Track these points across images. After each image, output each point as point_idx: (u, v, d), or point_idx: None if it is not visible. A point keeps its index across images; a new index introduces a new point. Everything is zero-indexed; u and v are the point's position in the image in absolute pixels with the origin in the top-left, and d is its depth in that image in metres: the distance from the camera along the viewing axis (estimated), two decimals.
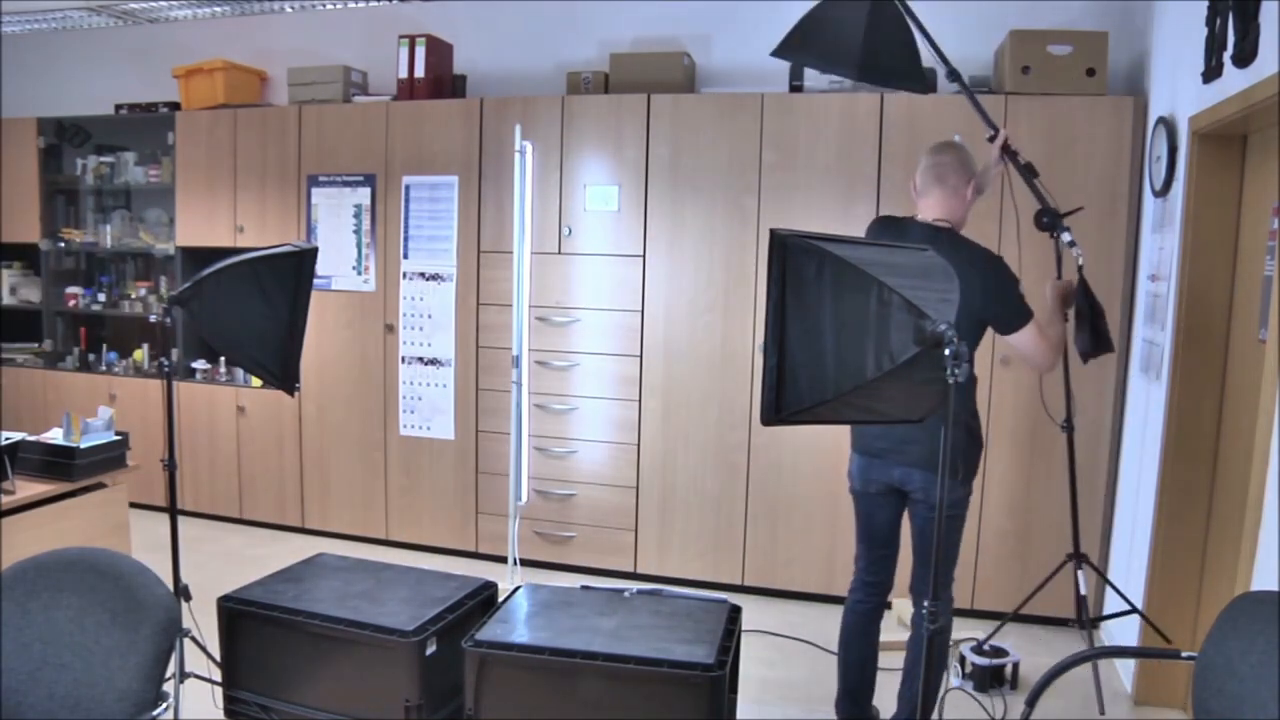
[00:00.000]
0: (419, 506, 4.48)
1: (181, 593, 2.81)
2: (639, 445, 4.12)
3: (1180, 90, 3.12)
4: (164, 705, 1.71)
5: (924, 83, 2.98)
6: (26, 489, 3.04)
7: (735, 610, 2.57)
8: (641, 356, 4.08)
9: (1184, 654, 2.04)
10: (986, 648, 3.24)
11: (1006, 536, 3.78)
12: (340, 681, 2.51)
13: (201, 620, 2.80)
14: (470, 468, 4.37)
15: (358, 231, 4.48)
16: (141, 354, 5.08)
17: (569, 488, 4.22)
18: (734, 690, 2.50)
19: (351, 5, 4.85)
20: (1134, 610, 3.11)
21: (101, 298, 5.18)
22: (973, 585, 3.82)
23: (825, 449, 3.90)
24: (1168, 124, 3.20)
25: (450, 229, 4.31)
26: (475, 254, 4.27)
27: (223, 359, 4.87)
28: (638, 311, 4.07)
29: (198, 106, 4.80)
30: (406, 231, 4.39)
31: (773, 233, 1.97)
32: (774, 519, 3.99)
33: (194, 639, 2.75)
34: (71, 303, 5.20)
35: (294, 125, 4.54)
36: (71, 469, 3.16)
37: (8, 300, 5.31)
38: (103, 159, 5.11)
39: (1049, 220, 2.81)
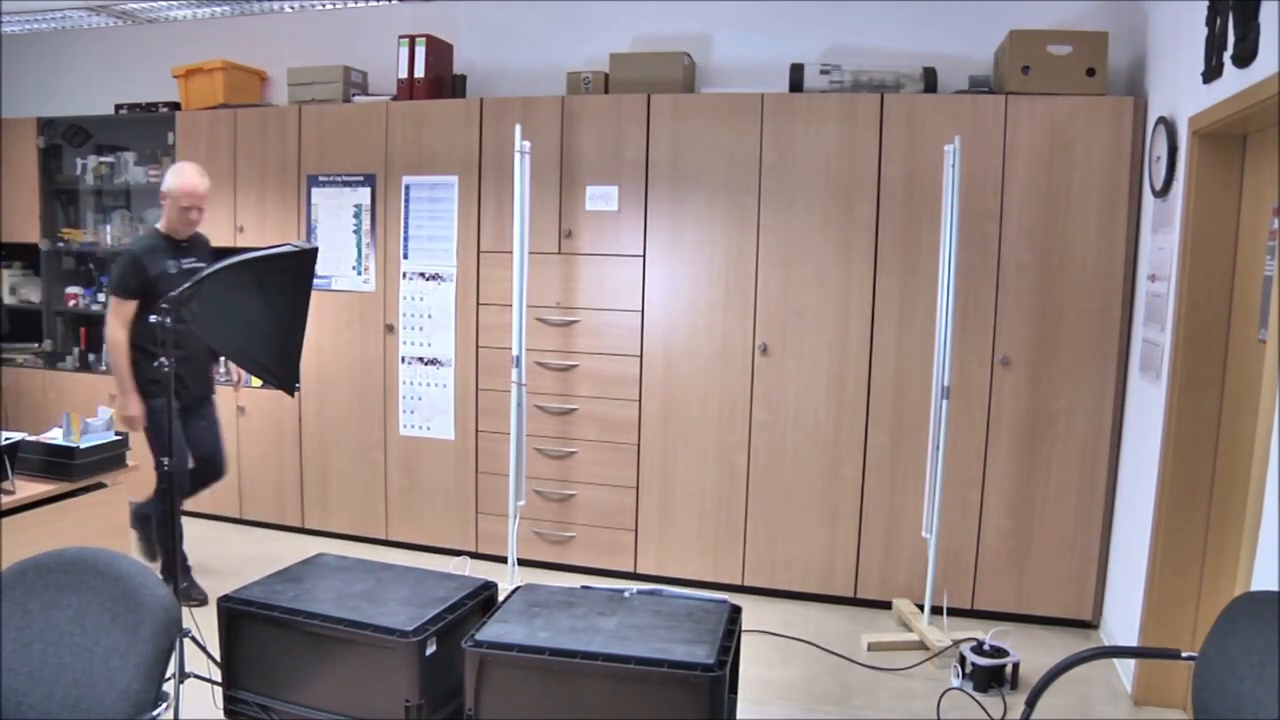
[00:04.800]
0: (419, 506, 4.48)
1: (182, 594, 2.80)
2: (639, 445, 4.12)
3: (1180, 90, 3.13)
4: (164, 705, 1.71)
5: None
6: (26, 489, 3.04)
7: (735, 610, 2.57)
8: (641, 356, 4.08)
9: (1184, 654, 2.04)
10: (986, 648, 3.24)
11: (1006, 536, 3.78)
12: (340, 681, 2.51)
13: (201, 620, 2.80)
14: (470, 468, 4.37)
15: (358, 231, 4.48)
16: None
17: (569, 488, 4.22)
18: (734, 690, 2.50)
19: (351, 5, 4.85)
20: None
21: (101, 298, 5.18)
22: (972, 585, 3.82)
23: (826, 449, 3.90)
24: (1168, 124, 3.20)
25: (450, 229, 4.31)
26: (475, 254, 4.27)
27: (223, 359, 4.86)
28: (638, 311, 4.07)
29: (198, 106, 4.80)
30: (406, 231, 4.39)
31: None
32: (774, 519, 4.00)
33: (194, 639, 2.75)
34: (71, 303, 5.20)
35: (294, 125, 4.54)
36: (71, 469, 3.16)
37: (8, 300, 5.31)
38: (103, 159, 5.12)
39: None
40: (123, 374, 3.61)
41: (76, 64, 5.50)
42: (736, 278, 3.94)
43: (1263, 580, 2.36)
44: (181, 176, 3.62)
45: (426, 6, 4.74)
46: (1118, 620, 3.52)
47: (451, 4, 4.70)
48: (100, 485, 3.29)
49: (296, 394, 3.46)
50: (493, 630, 2.39)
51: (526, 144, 3.82)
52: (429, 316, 4.37)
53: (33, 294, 5.31)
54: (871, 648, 3.52)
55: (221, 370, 4.87)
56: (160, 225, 3.71)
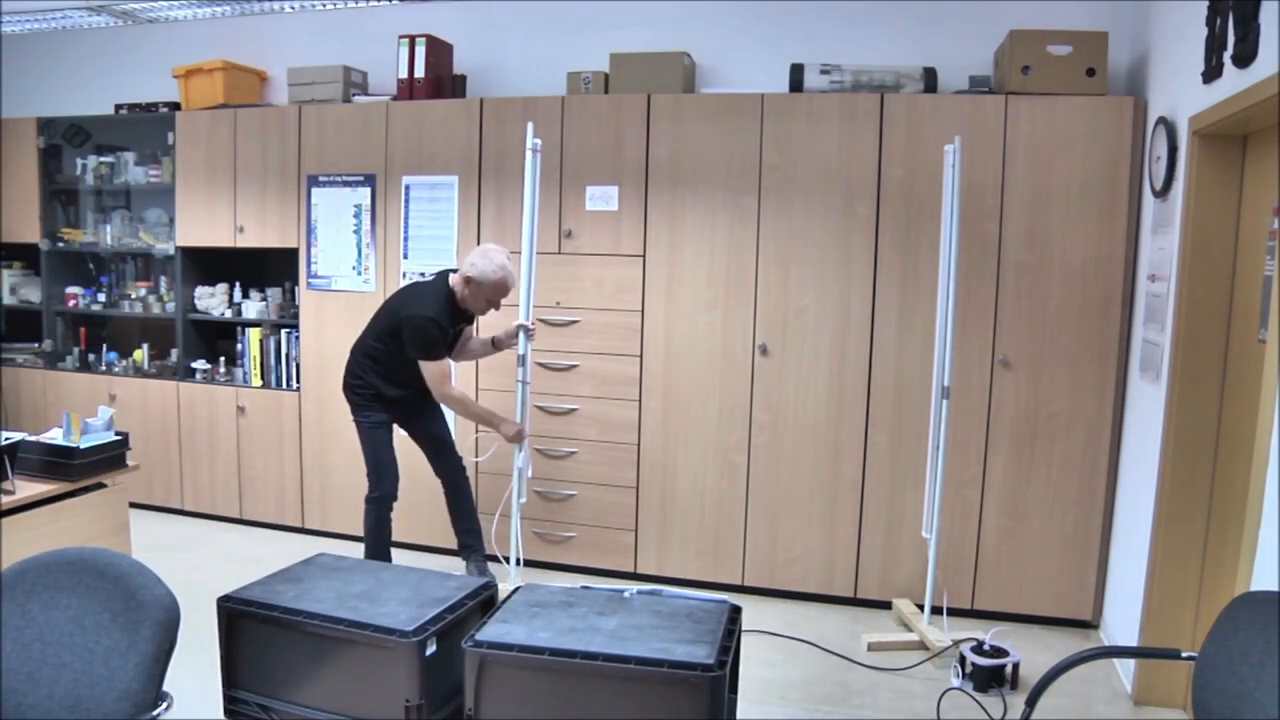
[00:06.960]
0: (418, 506, 4.48)
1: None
2: (639, 445, 4.12)
3: (1180, 90, 3.12)
4: (164, 705, 1.71)
5: None
6: (26, 489, 3.04)
7: (735, 610, 2.57)
8: (641, 356, 4.08)
9: (1184, 654, 2.04)
10: (986, 648, 3.24)
11: (1006, 536, 3.78)
12: (340, 681, 2.51)
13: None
14: (470, 468, 4.36)
15: (358, 231, 4.48)
16: (141, 354, 5.08)
17: (569, 488, 4.22)
18: (734, 690, 2.50)
19: (351, 5, 4.85)
20: None
21: (101, 298, 5.18)
22: (972, 585, 3.82)
23: (826, 449, 3.90)
24: (1168, 124, 3.20)
25: (450, 229, 4.31)
26: None
27: (222, 359, 4.88)
28: (638, 311, 4.07)
29: (198, 106, 4.80)
30: (406, 231, 4.39)
31: None
32: (774, 519, 4.00)
33: None
34: (71, 303, 5.20)
35: (294, 125, 4.54)
36: (71, 469, 3.16)
37: (8, 300, 5.31)
38: (103, 159, 5.11)
39: None
40: (485, 413, 3.81)
41: (76, 64, 5.50)
42: (736, 278, 3.94)
43: (1263, 580, 2.36)
44: (506, 276, 3.52)
45: (426, 6, 4.74)
46: (1118, 620, 3.52)
47: (451, 4, 4.70)
48: (100, 485, 3.29)
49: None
50: (493, 630, 2.39)
51: (538, 141, 3.79)
52: None
53: (33, 294, 5.31)
54: (872, 648, 3.52)
55: (221, 370, 4.86)
56: (456, 295, 3.59)
